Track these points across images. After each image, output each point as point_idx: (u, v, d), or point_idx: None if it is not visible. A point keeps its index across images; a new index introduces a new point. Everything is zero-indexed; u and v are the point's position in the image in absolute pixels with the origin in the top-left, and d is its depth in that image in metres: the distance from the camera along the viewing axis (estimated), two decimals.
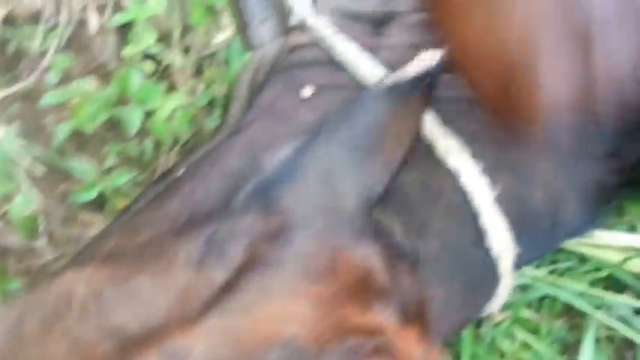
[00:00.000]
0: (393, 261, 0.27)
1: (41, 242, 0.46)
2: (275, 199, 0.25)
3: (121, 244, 0.31)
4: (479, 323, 0.48)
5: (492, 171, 0.35)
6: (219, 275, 0.25)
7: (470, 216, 0.35)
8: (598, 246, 0.51)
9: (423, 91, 0.32)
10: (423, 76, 0.31)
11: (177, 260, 0.27)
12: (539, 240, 0.38)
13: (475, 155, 0.35)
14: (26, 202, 0.43)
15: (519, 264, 0.38)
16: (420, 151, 0.35)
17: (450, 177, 0.35)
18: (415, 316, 0.28)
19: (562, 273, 0.52)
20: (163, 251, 0.28)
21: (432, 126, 0.35)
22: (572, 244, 0.51)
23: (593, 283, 0.52)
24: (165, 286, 0.26)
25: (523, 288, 0.49)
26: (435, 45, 0.39)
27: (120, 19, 0.44)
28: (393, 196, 0.32)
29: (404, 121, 0.30)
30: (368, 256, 0.26)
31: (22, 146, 0.44)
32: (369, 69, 0.38)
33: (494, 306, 0.39)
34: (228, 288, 0.25)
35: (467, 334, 0.45)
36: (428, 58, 0.33)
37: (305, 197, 0.25)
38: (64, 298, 0.29)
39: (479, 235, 0.35)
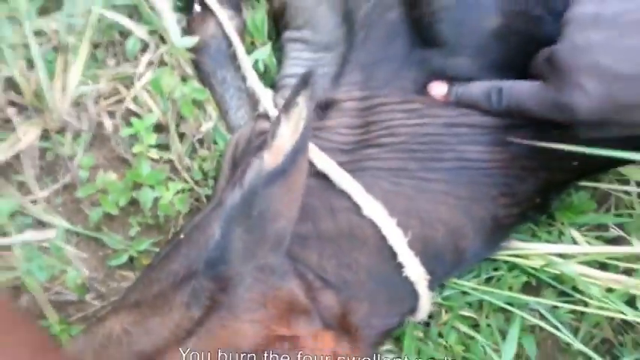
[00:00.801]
0: (312, 289, 0.41)
1: (91, 296, 0.61)
2: (219, 269, 0.39)
3: (141, 295, 0.45)
4: (427, 324, 0.61)
5: (404, 221, 0.48)
6: (196, 313, 0.39)
7: (390, 255, 0.47)
8: (525, 255, 0.63)
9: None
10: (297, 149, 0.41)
11: (175, 305, 0.41)
12: (447, 266, 0.51)
13: (390, 211, 0.48)
14: (76, 271, 0.57)
15: (434, 284, 0.51)
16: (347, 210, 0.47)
17: (374, 228, 0.48)
18: (338, 324, 0.41)
19: (498, 279, 0.64)
20: (167, 300, 0.42)
21: (357, 193, 0.48)
22: (504, 255, 0.63)
23: (524, 285, 0.64)
24: (168, 322, 0.40)
25: (463, 293, 0.62)
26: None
27: (127, 131, 0.58)
28: (317, 244, 0.45)
29: (291, 189, 0.41)
30: (290, 289, 0.40)
31: (67, 229, 0.58)
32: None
33: (421, 314, 0.52)
34: (201, 321, 0.39)
35: (412, 332, 0.58)
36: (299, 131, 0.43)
37: (237, 263, 0.39)
38: (107, 335, 0.43)
39: (398, 268, 0.48)
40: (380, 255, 0.47)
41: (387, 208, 0.47)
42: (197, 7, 0.59)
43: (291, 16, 0.59)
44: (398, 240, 0.47)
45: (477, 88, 0.48)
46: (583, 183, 0.66)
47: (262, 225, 0.38)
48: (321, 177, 0.48)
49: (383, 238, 0.47)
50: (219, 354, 0.35)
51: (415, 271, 0.47)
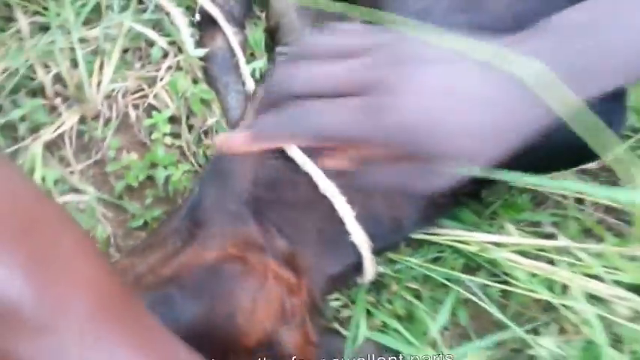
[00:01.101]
0: (268, 234, 0.55)
1: (112, 249, 0.76)
2: (196, 212, 0.54)
3: (150, 242, 0.60)
4: (378, 292, 0.75)
5: (351, 197, 0.61)
6: (178, 244, 0.55)
7: (339, 223, 0.61)
8: (465, 241, 0.76)
9: None
10: None
11: (165, 242, 0.56)
12: (388, 237, 0.64)
13: (341, 189, 0.61)
14: (103, 229, 0.73)
15: (377, 250, 0.64)
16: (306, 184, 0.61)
17: (326, 202, 0.61)
18: (286, 262, 0.55)
19: (442, 259, 0.77)
20: (161, 240, 0.57)
21: (316, 174, 0.61)
22: (448, 240, 0.76)
23: (464, 266, 0.77)
24: (159, 253, 0.55)
25: (411, 268, 0.75)
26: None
27: (148, 122, 0.72)
28: (278, 207, 0.59)
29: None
30: (249, 230, 0.54)
31: (97, 197, 0.73)
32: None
33: (367, 276, 0.64)
34: (180, 249, 0.54)
35: (364, 297, 0.71)
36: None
37: (209, 208, 0.54)
38: (119, 269, 0.58)
39: (345, 234, 0.61)
40: (330, 221, 0.60)
41: (338, 186, 0.60)
42: (197, 16, 0.73)
43: (282, 34, 0.73)
44: (347, 213, 0.60)
45: None
46: (525, 186, 0.79)
47: (227, 183, 0.53)
48: (289, 160, 0.61)
49: (333, 209, 0.60)
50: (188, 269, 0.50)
51: (359, 237, 0.61)
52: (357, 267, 0.64)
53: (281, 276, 0.55)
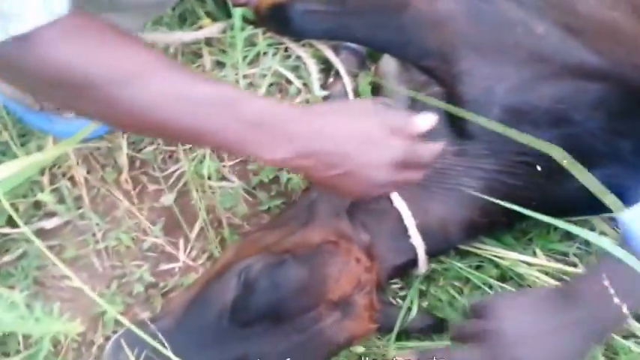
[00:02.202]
0: (355, 230, 0.83)
1: (245, 224, 1.07)
2: (312, 211, 0.84)
3: (275, 223, 0.90)
4: (428, 284, 0.99)
5: (414, 212, 0.87)
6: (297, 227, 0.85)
7: (404, 230, 0.86)
8: (501, 257, 0.98)
9: None
10: None
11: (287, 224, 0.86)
12: (438, 244, 0.87)
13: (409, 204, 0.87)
14: (242, 209, 1.04)
15: (429, 252, 0.87)
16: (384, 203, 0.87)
17: (397, 214, 0.87)
18: (365, 250, 0.82)
19: (482, 267, 1.00)
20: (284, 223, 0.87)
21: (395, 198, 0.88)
22: (487, 252, 0.98)
23: (499, 275, 0.99)
24: (282, 232, 0.85)
25: (458, 269, 0.98)
26: None
27: None
28: (364, 214, 0.86)
29: None
30: (345, 227, 0.83)
31: (239, 185, 1.05)
32: None
33: (421, 269, 0.88)
34: (298, 229, 0.83)
35: (417, 286, 0.96)
36: None
37: (323, 209, 0.83)
38: (250, 239, 0.88)
39: (408, 237, 0.86)
40: (398, 227, 0.85)
41: (406, 201, 0.86)
42: (331, 79, 1.02)
43: (384, 89, 1.00)
44: (410, 223, 0.86)
45: None
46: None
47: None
48: None
49: (401, 219, 0.86)
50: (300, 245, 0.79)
51: (417, 240, 0.85)
52: (414, 262, 0.90)
53: (360, 259, 0.83)
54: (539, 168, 0.83)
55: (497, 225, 0.91)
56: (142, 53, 0.57)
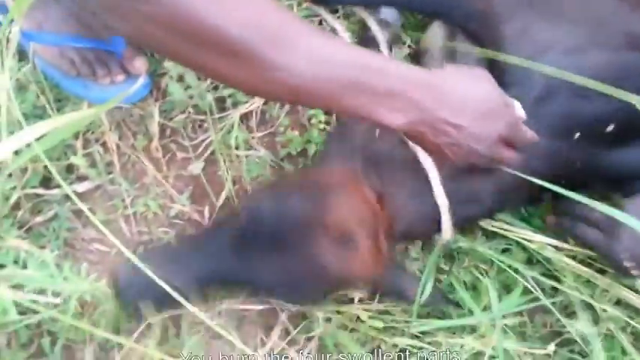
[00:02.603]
0: (368, 176, 0.83)
1: None
2: (323, 156, 0.84)
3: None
4: (452, 262, 0.98)
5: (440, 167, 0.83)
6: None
7: (426, 183, 0.82)
8: (529, 239, 0.96)
9: None
10: None
11: None
12: (465, 206, 0.84)
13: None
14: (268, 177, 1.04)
15: (455, 217, 0.84)
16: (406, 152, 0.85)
17: (420, 166, 0.83)
18: (376, 195, 0.82)
19: (509, 250, 0.98)
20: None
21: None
22: (515, 235, 0.96)
23: (526, 259, 0.97)
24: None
25: (482, 252, 0.97)
26: None
27: (310, 111, 1.02)
28: (380, 161, 0.84)
29: None
30: (356, 170, 0.84)
31: (267, 156, 1.05)
32: None
33: (445, 234, 0.85)
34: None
35: (437, 263, 0.95)
36: None
37: (334, 153, 0.83)
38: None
39: (431, 193, 0.83)
40: (419, 180, 0.83)
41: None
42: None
43: (426, 60, 0.97)
44: (434, 176, 0.82)
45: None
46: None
47: (346, 138, 0.85)
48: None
49: (424, 172, 0.82)
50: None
51: (441, 198, 0.82)
52: (438, 227, 0.86)
53: (368, 200, 0.82)
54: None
55: (519, 200, 0.89)
56: (288, 14, 0.57)
